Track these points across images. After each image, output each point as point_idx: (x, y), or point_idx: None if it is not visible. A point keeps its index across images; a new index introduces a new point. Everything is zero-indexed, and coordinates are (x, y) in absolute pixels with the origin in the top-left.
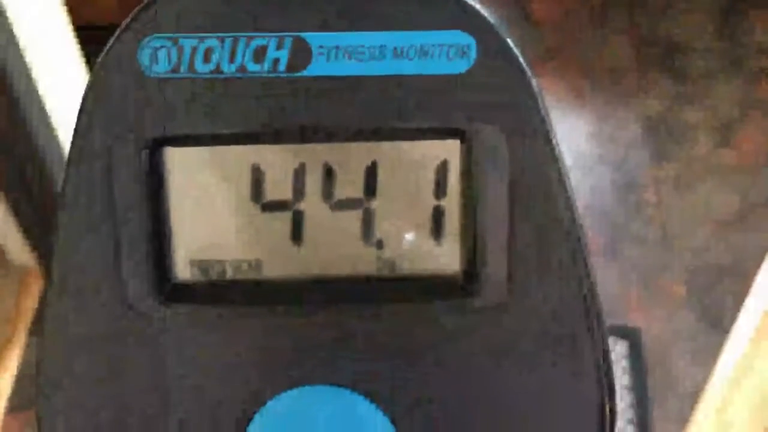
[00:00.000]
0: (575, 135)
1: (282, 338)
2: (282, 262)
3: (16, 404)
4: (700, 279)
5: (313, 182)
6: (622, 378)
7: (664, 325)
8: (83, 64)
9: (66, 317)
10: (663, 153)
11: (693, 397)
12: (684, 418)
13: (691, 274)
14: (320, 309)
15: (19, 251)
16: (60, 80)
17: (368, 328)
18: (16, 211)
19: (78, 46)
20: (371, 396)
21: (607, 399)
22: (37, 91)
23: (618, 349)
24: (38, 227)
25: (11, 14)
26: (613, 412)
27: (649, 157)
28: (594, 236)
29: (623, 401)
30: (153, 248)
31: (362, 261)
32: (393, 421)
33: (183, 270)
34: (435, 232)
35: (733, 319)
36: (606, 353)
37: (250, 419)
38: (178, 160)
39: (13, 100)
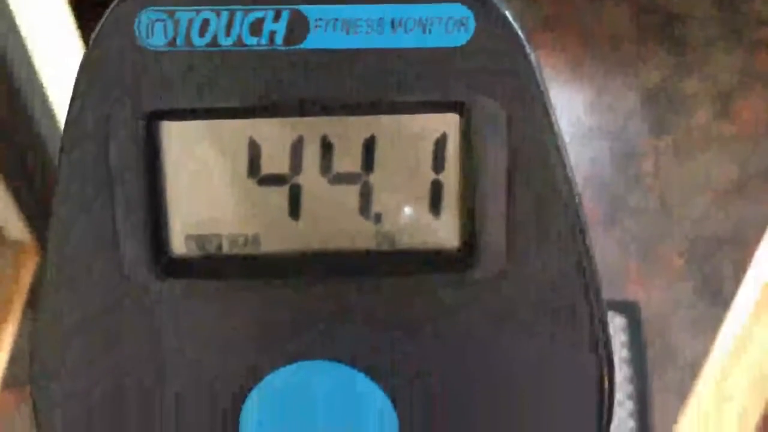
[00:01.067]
0: (574, 105)
1: (280, 313)
2: (279, 237)
3: (11, 380)
4: (700, 249)
5: (311, 156)
6: (620, 352)
7: (664, 295)
8: (84, 50)
9: (62, 295)
10: (662, 123)
11: (693, 368)
12: (684, 389)
13: (690, 243)
14: (318, 283)
15: (19, 230)
16: (61, 67)
17: (367, 302)
18: (17, 197)
19: (78, 32)
20: (370, 371)
21: (606, 371)
22: (38, 79)
23: (616, 323)
24: (40, 216)
25: (12, 1)
26: (611, 384)
27: (648, 127)
28: (593, 207)
29: (622, 375)
30: (149, 223)
31: (361, 235)
32: (392, 397)
33: (180, 244)
34: (434, 206)
35: (732, 288)
36: (604, 325)
37: (247, 394)
38: (174, 134)
39: (14, 88)
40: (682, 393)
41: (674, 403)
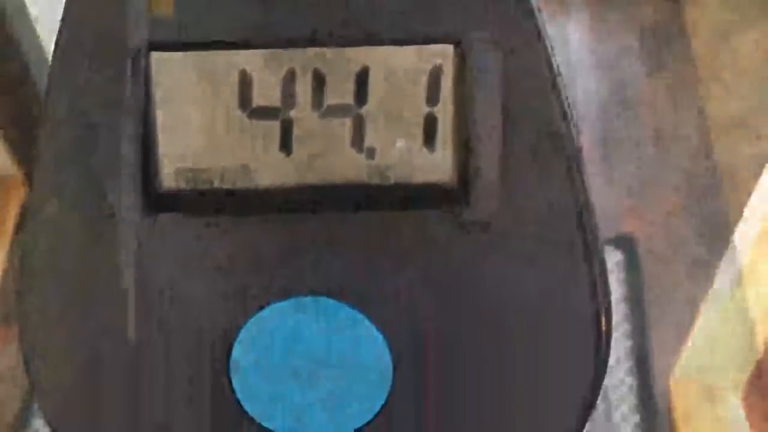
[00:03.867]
0: (569, 42)
1: (270, 248)
2: (271, 171)
3: None
4: (696, 185)
5: (303, 89)
6: (617, 290)
7: (660, 231)
8: None
9: (49, 230)
10: (659, 58)
11: (690, 304)
12: (680, 326)
13: (687, 179)
14: (310, 218)
15: (4, 164)
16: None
17: (359, 236)
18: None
19: None
20: (361, 307)
21: (602, 307)
22: (48, 59)
23: (613, 259)
24: (25, 149)
25: None
26: (609, 321)
27: (644, 62)
28: (589, 140)
29: (619, 313)
30: (139, 157)
31: (353, 169)
32: (384, 333)
33: (169, 179)
34: (427, 140)
35: (729, 224)
36: (601, 262)
37: (237, 332)
38: (164, 66)
39: (23, 72)
40: (678, 329)
41: (671, 339)
